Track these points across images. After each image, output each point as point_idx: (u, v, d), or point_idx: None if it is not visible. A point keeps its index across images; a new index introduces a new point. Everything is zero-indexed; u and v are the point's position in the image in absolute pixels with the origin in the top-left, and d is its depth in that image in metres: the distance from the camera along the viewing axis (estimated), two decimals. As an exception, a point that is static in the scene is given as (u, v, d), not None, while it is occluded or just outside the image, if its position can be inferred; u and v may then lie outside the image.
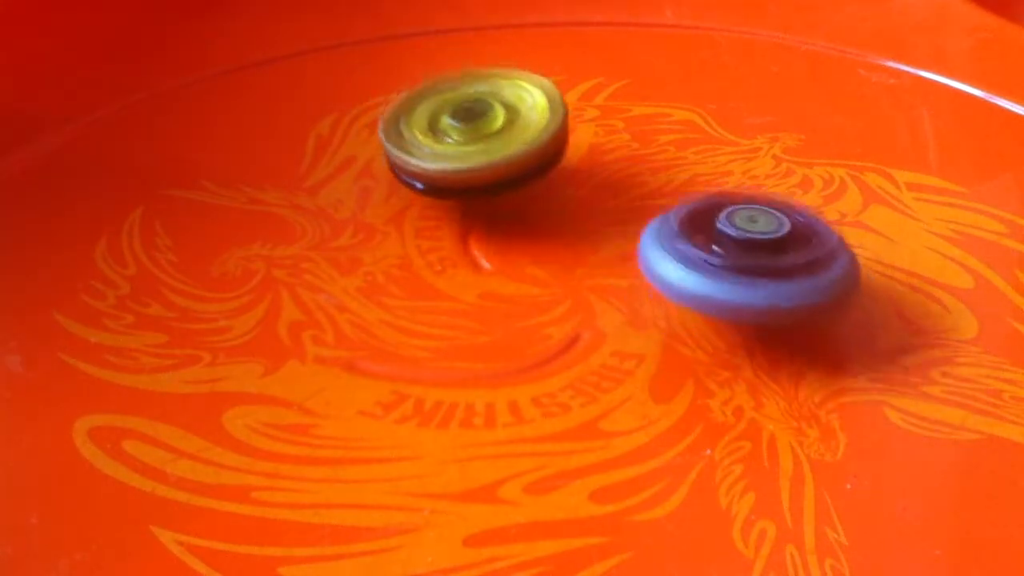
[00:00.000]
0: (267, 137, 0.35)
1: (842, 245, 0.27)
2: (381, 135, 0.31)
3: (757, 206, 0.26)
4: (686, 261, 0.25)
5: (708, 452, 0.25)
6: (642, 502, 0.24)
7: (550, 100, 0.32)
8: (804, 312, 0.25)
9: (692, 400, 0.27)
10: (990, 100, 0.37)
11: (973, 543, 0.24)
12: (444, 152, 0.31)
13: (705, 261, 0.25)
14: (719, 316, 0.27)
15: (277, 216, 0.32)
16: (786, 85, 0.38)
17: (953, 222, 0.32)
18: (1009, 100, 0.36)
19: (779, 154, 0.34)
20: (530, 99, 0.32)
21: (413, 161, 0.30)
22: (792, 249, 0.25)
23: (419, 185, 0.31)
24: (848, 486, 0.25)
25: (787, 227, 0.26)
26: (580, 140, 0.35)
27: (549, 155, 0.31)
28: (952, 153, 0.35)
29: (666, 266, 0.26)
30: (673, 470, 0.25)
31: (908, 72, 0.38)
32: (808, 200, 0.33)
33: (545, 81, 0.32)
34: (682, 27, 0.41)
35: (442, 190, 0.31)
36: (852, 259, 0.27)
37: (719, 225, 0.26)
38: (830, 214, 0.32)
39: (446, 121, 0.31)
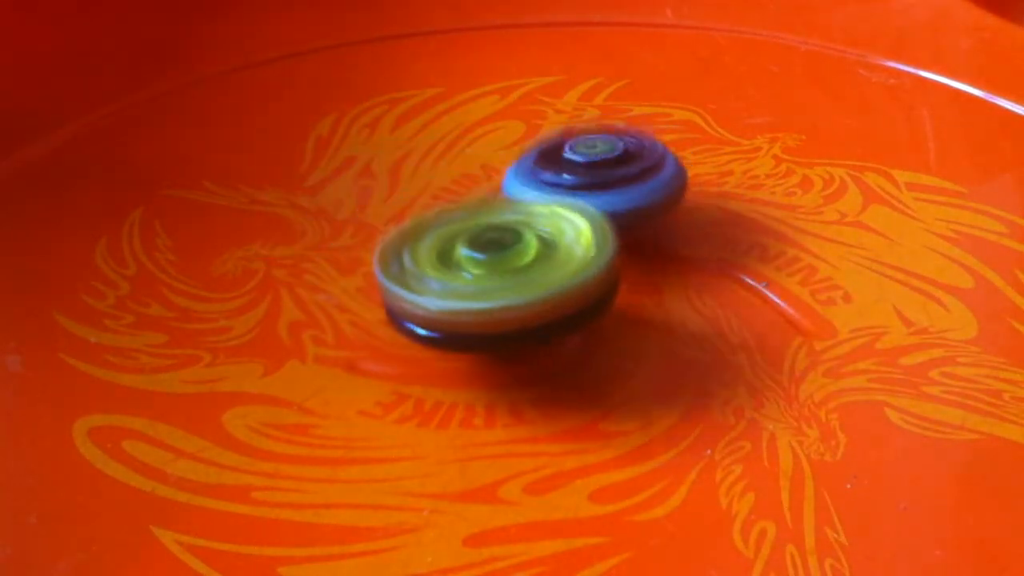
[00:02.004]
0: (267, 137, 0.35)
1: (666, 155, 0.30)
2: (376, 266, 0.26)
3: (595, 135, 0.30)
4: (542, 187, 0.29)
5: (708, 452, 0.25)
6: (642, 502, 0.24)
7: (596, 231, 0.26)
8: (642, 212, 0.29)
9: (692, 400, 0.27)
10: (990, 100, 0.37)
11: (973, 543, 0.24)
12: (457, 288, 0.25)
13: (557, 184, 0.29)
14: None
15: (277, 216, 0.32)
16: (786, 85, 0.38)
17: (953, 222, 0.32)
18: (1009, 100, 0.36)
19: (779, 154, 0.34)
20: (571, 230, 0.26)
21: (411, 298, 0.25)
22: (626, 164, 0.29)
23: (421, 332, 0.25)
24: (848, 486, 0.25)
25: (620, 147, 0.30)
26: (580, 140, 0.35)
27: (597, 295, 0.26)
28: (952, 153, 0.35)
29: (527, 193, 0.29)
30: (673, 470, 0.25)
31: (908, 72, 0.38)
32: (808, 200, 0.33)
33: (590, 210, 0.27)
34: (682, 27, 0.41)
35: (453, 338, 0.25)
36: (677, 165, 0.30)
37: (566, 154, 0.30)
38: (830, 214, 0.32)
39: (461, 252, 0.26)
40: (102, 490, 0.24)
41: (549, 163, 0.30)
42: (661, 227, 0.31)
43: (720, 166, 0.34)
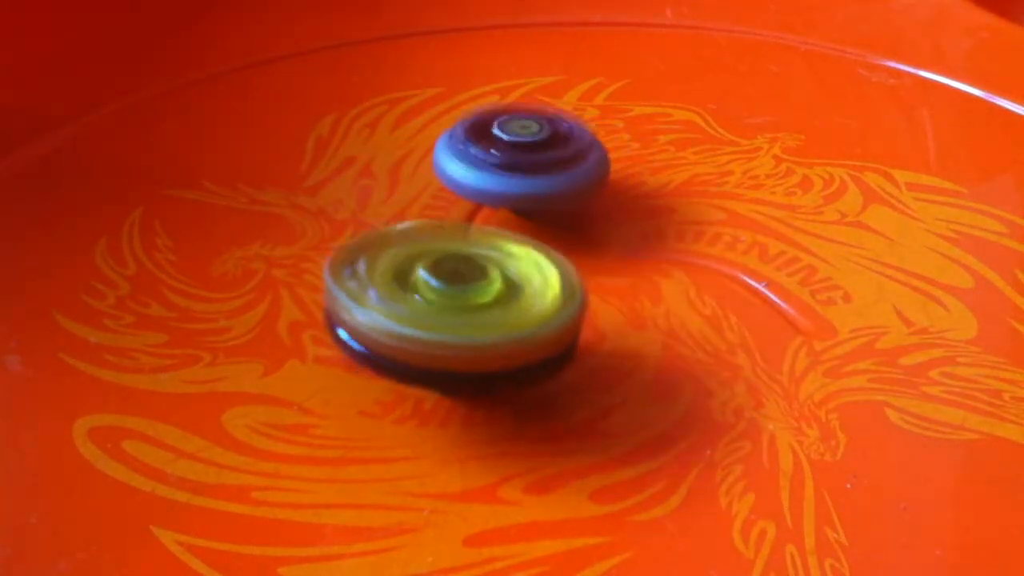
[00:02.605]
0: (267, 137, 0.35)
1: (593, 143, 0.31)
2: (327, 265, 0.24)
3: (527, 115, 0.30)
4: (470, 161, 0.30)
5: (708, 452, 0.25)
6: (642, 502, 0.24)
7: (566, 285, 0.25)
8: (561, 198, 0.30)
9: (692, 400, 0.27)
10: (990, 100, 0.37)
11: (973, 543, 0.24)
12: (407, 311, 0.23)
13: (485, 161, 0.29)
14: (499, 206, 0.31)
15: (277, 216, 0.32)
16: (786, 85, 0.38)
17: (953, 222, 0.32)
18: (1009, 100, 0.36)
19: (779, 154, 0.34)
20: (539, 278, 0.25)
21: (353, 311, 0.23)
22: (553, 148, 0.30)
23: (355, 346, 0.23)
24: (848, 486, 0.25)
25: (548, 131, 0.30)
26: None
27: (552, 352, 0.24)
28: (952, 153, 0.35)
29: (454, 167, 0.30)
30: (673, 470, 0.25)
31: (908, 72, 0.38)
32: (808, 200, 0.33)
33: (564, 261, 0.25)
34: (682, 27, 0.41)
35: (386, 363, 0.23)
36: (602, 152, 0.31)
37: (495, 131, 0.30)
38: (830, 214, 0.32)
39: (420, 274, 0.24)
40: (102, 490, 0.24)
41: (478, 137, 0.30)
42: (661, 227, 0.31)
43: (720, 166, 0.34)
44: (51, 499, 0.24)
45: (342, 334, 0.24)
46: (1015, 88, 0.36)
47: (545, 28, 0.40)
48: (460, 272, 0.24)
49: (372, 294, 0.23)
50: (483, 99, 0.37)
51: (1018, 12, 0.39)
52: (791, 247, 0.31)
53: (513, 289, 0.24)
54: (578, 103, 0.36)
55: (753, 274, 0.30)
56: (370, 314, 0.23)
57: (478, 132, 0.30)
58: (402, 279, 0.24)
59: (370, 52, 0.39)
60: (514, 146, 0.30)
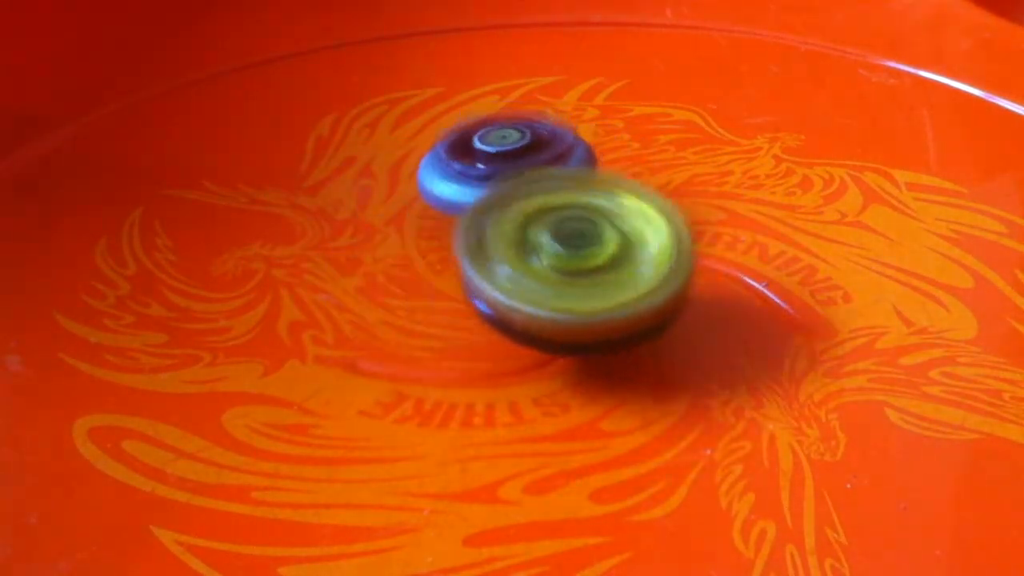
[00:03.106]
0: (267, 137, 0.35)
1: (576, 142, 0.30)
2: (459, 241, 0.26)
3: (504, 124, 0.30)
4: (456, 177, 0.30)
5: (708, 452, 0.25)
6: (642, 502, 0.24)
7: (677, 242, 0.26)
8: None
9: (692, 400, 0.27)
10: (990, 100, 0.37)
11: (973, 543, 0.24)
12: (527, 286, 0.25)
13: (469, 175, 0.29)
14: None
15: (277, 216, 0.32)
16: (786, 85, 0.38)
17: (953, 222, 0.32)
18: (1009, 100, 0.36)
19: (779, 154, 0.34)
20: (653, 236, 0.26)
21: (487, 288, 0.25)
22: (537, 152, 0.30)
23: (486, 310, 0.26)
24: (848, 486, 0.25)
25: (530, 136, 0.30)
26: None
27: (660, 319, 0.26)
28: (952, 153, 0.35)
29: (441, 185, 0.30)
30: (673, 470, 0.25)
31: (908, 72, 0.38)
32: (808, 200, 0.33)
33: (678, 217, 0.26)
34: (682, 27, 0.41)
35: (512, 330, 0.26)
36: (586, 149, 0.31)
37: (476, 144, 0.30)
38: (830, 214, 0.32)
39: (541, 236, 0.26)
40: (102, 490, 0.24)
41: (460, 153, 0.30)
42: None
43: (720, 166, 0.34)
44: (51, 499, 0.24)
45: (480, 306, 0.26)
46: (1015, 88, 0.36)
47: (545, 28, 0.40)
48: (578, 233, 0.26)
49: (500, 271, 0.25)
50: (483, 99, 0.37)
51: (1018, 12, 0.39)
52: (791, 247, 0.31)
53: (626, 245, 0.26)
54: (578, 103, 0.36)
55: (753, 274, 0.30)
56: (498, 295, 0.25)
57: (459, 148, 0.30)
58: (522, 239, 0.26)
59: (370, 52, 0.39)
60: (496, 156, 0.30)
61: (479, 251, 0.26)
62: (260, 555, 0.23)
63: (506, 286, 0.25)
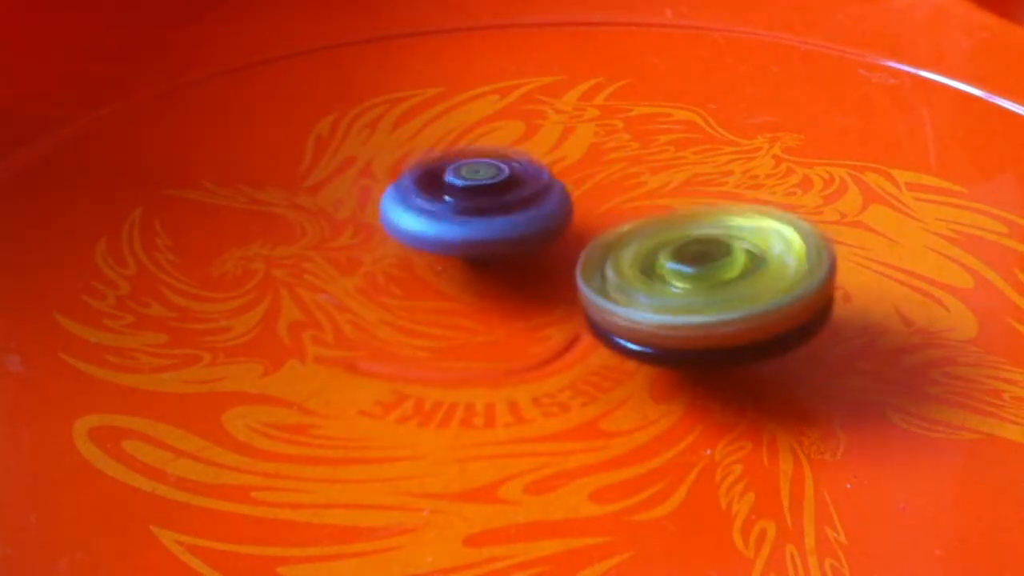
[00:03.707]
0: (267, 137, 0.35)
1: (551, 184, 0.29)
2: (579, 280, 0.25)
3: (479, 159, 0.29)
4: (419, 212, 0.28)
5: (708, 452, 0.25)
6: (642, 502, 0.24)
7: (808, 240, 0.25)
8: (525, 241, 0.28)
9: (692, 400, 0.27)
10: (990, 100, 0.37)
11: (973, 543, 0.24)
12: (667, 302, 0.24)
13: (433, 210, 0.28)
14: (455, 254, 0.29)
15: (277, 216, 0.32)
16: (786, 85, 0.38)
17: (953, 222, 0.32)
18: (1009, 100, 0.36)
19: (779, 154, 0.34)
20: (780, 242, 0.25)
21: (624, 313, 0.24)
22: (509, 191, 0.28)
23: (632, 347, 0.25)
24: (848, 486, 0.25)
25: (505, 173, 0.29)
26: (580, 140, 0.35)
27: (815, 310, 0.25)
28: (952, 153, 0.35)
29: (403, 217, 0.28)
30: (673, 470, 0.25)
31: (908, 72, 0.38)
32: (808, 200, 0.33)
33: (798, 220, 0.26)
34: (682, 27, 0.41)
35: (667, 353, 0.24)
36: (561, 193, 0.29)
37: (447, 177, 0.29)
38: (830, 214, 0.32)
39: (666, 265, 0.25)
40: (102, 490, 0.24)
41: (428, 186, 0.29)
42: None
43: (720, 166, 0.34)
44: (51, 499, 0.24)
45: (619, 340, 0.25)
46: (1015, 88, 0.36)
47: (545, 28, 0.40)
48: (704, 253, 0.25)
49: (640, 296, 0.24)
50: (483, 99, 0.37)
51: (1018, 12, 0.39)
52: (791, 247, 0.31)
53: (757, 259, 0.25)
54: (578, 103, 0.36)
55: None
56: (645, 315, 0.24)
57: (427, 180, 0.29)
58: (649, 273, 0.25)
59: (370, 52, 0.39)
60: (465, 191, 0.28)
61: (606, 288, 0.25)
62: (260, 555, 0.23)
63: (652, 306, 0.24)
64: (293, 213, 0.32)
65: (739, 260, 0.25)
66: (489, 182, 0.28)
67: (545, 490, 0.25)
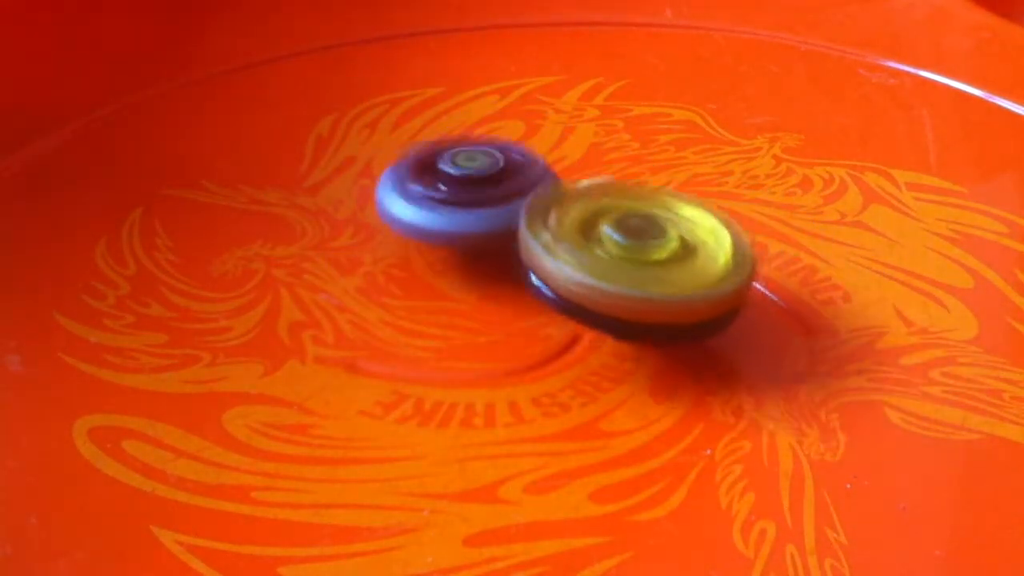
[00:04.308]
0: (267, 137, 0.35)
1: (546, 174, 0.29)
2: (522, 218, 0.27)
3: (476, 147, 0.29)
4: (414, 198, 0.28)
5: (708, 452, 0.25)
6: (642, 502, 0.24)
7: (738, 252, 0.26)
8: (515, 234, 0.28)
9: (692, 400, 0.27)
10: (990, 100, 0.37)
11: (973, 543, 0.24)
12: (590, 264, 0.25)
13: (429, 197, 0.28)
14: (449, 245, 0.30)
15: (277, 216, 0.32)
16: (786, 85, 0.38)
17: (953, 222, 0.32)
18: (1009, 100, 0.36)
19: (779, 154, 0.34)
20: (714, 243, 0.27)
21: (550, 263, 0.26)
22: (504, 180, 0.28)
23: (548, 292, 0.26)
24: (848, 486, 0.25)
25: (501, 163, 0.29)
26: (580, 140, 0.35)
27: (720, 312, 0.26)
28: (952, 153, 0.35)
29: (397, 204, 0.29)
30: (673, 470, 0.25)
31: (908, 72, 0.38)
32: (808, 200, 0.33)
33: (739, 228, 0.27)
34: (682, 27, 0.41)
35: (572, 308, 0.26)
36: (555, 179, 0.29)
37: (441, 166, 0.29)
38: (830, 214, 0.32)
39: (604, 229, 0.26)
40: (102, 490, 0.24)
41: (423, 174, 0.29)
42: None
43: (720, 166, 0.34)
44: (51, 499, 0.24)
45: (535, 280, 0.26)
46: (1015, 88, 0.36)
47: (545, 28, 0.40)
48: (641, 228, 0.26)
49: (563, 247, 0.26)
50: (483, 99, 0.37)
51: (1018, 12, 0.39)
52: (791, 247, 0.31)
53: (688, 248, 0.26)
54: (578, 103, 0.36)
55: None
56: (560, 265, 0.25)
57: (422, 168, 0.29)
58: (587, 232, 0.26)
59: (370, 52, 0.39)
60: (460, 180, 0.28)
61: (545, 236, 0.26)
62: (260, 555, 0.23)
63: (574, 264, 0.25)
64: (293, 213, 0.32)
65: (671, 245, 0.26)
66: (484, 172, 0.29)
67: (545, 490, 0.25)
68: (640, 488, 0.25)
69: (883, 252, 0.31)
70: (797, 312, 0.29)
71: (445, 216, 0.28)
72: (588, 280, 0.25)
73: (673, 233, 0.26)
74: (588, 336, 0.28)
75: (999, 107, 0.36)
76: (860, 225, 0.32)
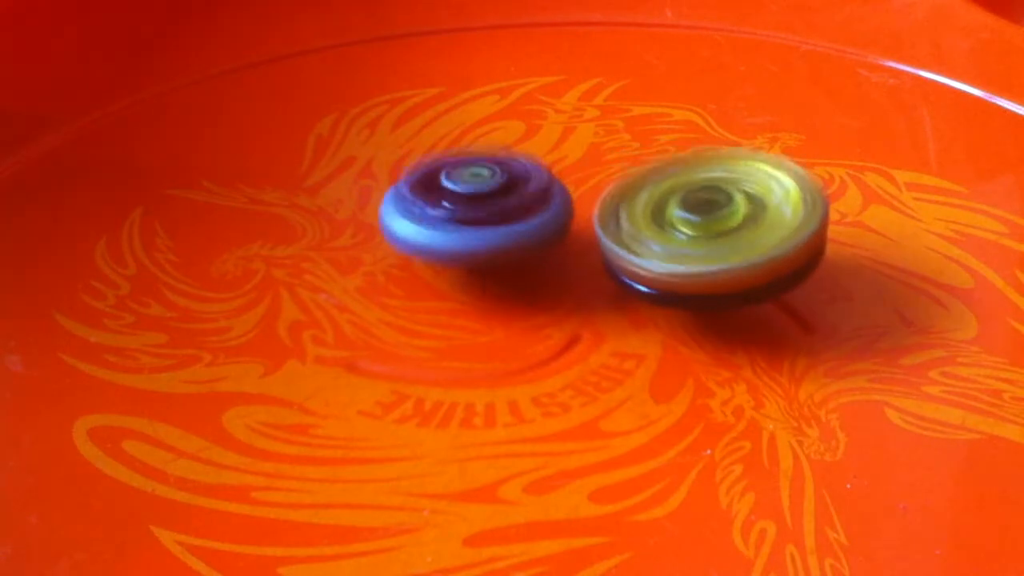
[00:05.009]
0: (267, 137, 0.35)
1: (550, 188, 0.29)
2: (597, 225, 0.27)
3: (477, 161, 0.29)
4: (418, 219, 0.28)
5: (708, 452, 0.25)
6: (642, 502, 0.24)
7: (805, 191, 0.27)
8: (524, 250, 0.28)
9: (692, 400, 0.27)
10: (990, 100, 0.37)
11: (973, 543, 0.24)
12: (675, 251, 0.26)
13: (433, 217, 0.28)
14: (453, 266, 0.29)
15: (277, 216, 0.32)
16: (786, 85, 0.38)
17: (953, 222, 0.32)
18: (1009, 100, 0.36)
19: (779, 154, 0.34)
20: (779, 190, 0.27)
21: (636, 261, 0.26)
22: (508, 195, 0.28)
23: (643, 289, 0.27)
24: (848, 486, 0.25)
25: (503, 177, 0.28)
26: (580, 140, 0.35)
27: (803, 262, 0.27)
28: (952, 153, 0.35)
29: (402, 224, 0.28)
30: (673, 470, 0.25)
31: (908, 72, 0.38)
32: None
33: (799, 169, 0.28)
34: (682, 27, 0.41)
35: (671, 296, 0.27)
36: (561, 196, 0.29)
37: (443, 182, 0.28)
38: (830, 214, 0.32)
39: (675, 212, 0.27)
40: (102, 490, 0.24)
41: (425, 192, 0.28)
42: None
43: (720, 166, 0.34)
44: (51, 499, 0.24)
45: (632, 283, 0.27)
46: (1015, 88, 0.36)
47: (545, 28, 0.40)
48: (708, 201, 0.27)
49: (651, 245, 0.26)
50: (483, 99, 0.37)
51: (1018, 12, 0.39)
52: (791, 247, 0.31)
53: (757, 206, 0.27)
54: (578, 103, 0.36)
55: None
56: (656, 263, 0.26)
57: (424, 185, 0.29)
58: (659, 219, 0.27)
59: (370, 52, 0.39)
60: (464, 197, 0.28)
61: (620, 235, 0.27)
62: (260, 555, 0.23)
63: (662, 255, 0.26)
64: (293, 213, 0.32)
65: (740, 209, 0.27)
66: (487, 189, 0.28)
67: (545, 490, 0.25)
68: (640, 488, 0.25)
69: (883, 252, 0.31)
70: (797, 312, 0.29)
71: (450, 237, 0.28)
72: (676, 268, 0.26)
73: (739, 198, 0.27)
74: (588, 336, 0.28)
75: (999, 107, 0.36)
76: (860, 225, 0.32)
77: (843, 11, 0.41)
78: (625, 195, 0.28)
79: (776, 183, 0.27)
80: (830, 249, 0.31)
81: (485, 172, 0.29)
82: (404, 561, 0.23)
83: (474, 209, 0.28)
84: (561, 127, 0.35)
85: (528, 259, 0.29)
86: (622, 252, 0.27)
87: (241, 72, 0.38)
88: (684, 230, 0.27)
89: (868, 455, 0.25)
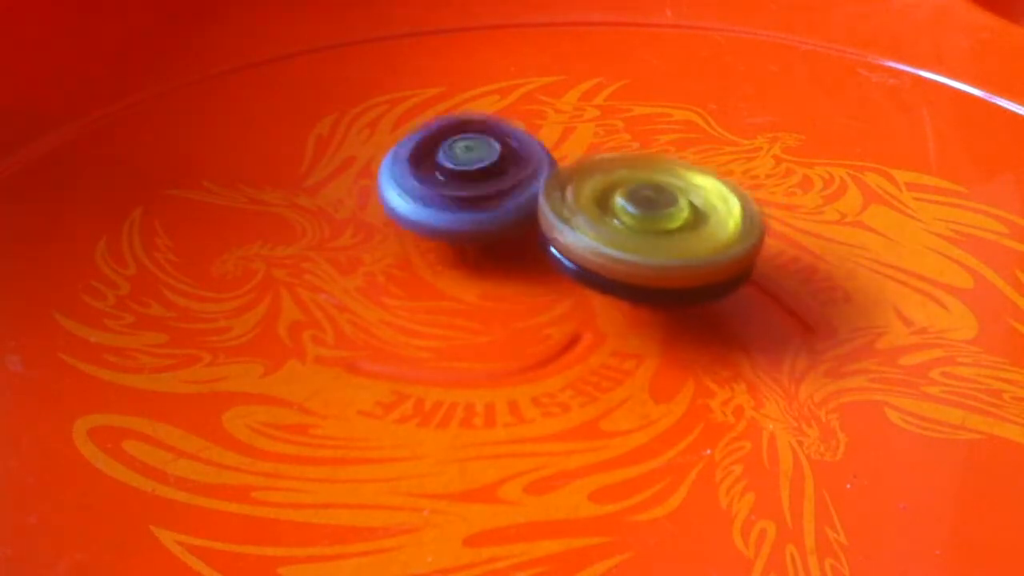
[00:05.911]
0: (267, 137, 0.35)
1: (541, 165, 0.29)
2: (540, 192, 0.28)
3: (474, 135, 0.30)
4: (409, 191, 0.29)
5: (708, 452, 0.25)
6: (642, 502, 0.24)
7: (747, 216, 0.27)
8: (514, 229, 0.29)
9: (692, 400, 0.27)
10: (990, 100, 0.37)
11: (973, 543, 0.24)
12: (607, 235, 0.26)
13: (425, 191, 0.29)
14: (443, 240, 0.30)
15: (277, 216, 0.32)
16: (786, 85, 0.38)
17: (953, 222, 0.32)
18: (1009, 100, 0.36)
19: (779, 154, 0.34)
20: (723, 208, 0.28)
21: (568, 233, 0.27)
22: (503, 172, 0.29)
23: (567, 263, 0.27)
24: (848, 486, 0.25)
25: (498, 154, 0.29)
26: (580, 140, 0.35)
27: (732, 275, 0.27)
28: (952, 153, 0.35)
29: (397, 197, 0.29)
30: (673, 470, 0.25)
31: (908, 72, 0.38)
32: (808, 200, 0.33)
33: (748, 195, 0.28)
34: (682, 27, 0.41)
35: (593, 277, 0.27)
36: (551, 163, 0.30)
37: (440, 158, 0.29)
38: (830, 214, 0.32)
39: (618, 201, 0.27)
40: (102, 490, 0.24)
41: (421, 166, 0.29)
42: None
43: (720, 166, 0.34)
44: (51, 499, 0.24)
45: (554, 251, 0.27)
46: (1015, 88, 0.36)
47: (545, 28, 0.40)
48: (653, 199, 0.27)
49: (580, 219, 0.27)
50: (483, 99, 0.37)
51: (1018, 12, 0.39)
52: (791, 247, 0.31)
53: (699, 216, 0.27)
54: (578, 103, 0.36)
55: (753, 274, 0.30)
56: (578, 236, 0.26)
57: (422, 158, 0.29)
58: (603, 204, 0.27)
59: (370, 52, 0.39)
60: (460, 175, 0.29)
61: (562, 209, 0.27)
62: (260, 555, 0.23)
63: (593, 235, 0.26)
64: (293, 213, 0.32)
65: (682, 215, 0.27)
66: (479, 165, 0.29)
67: (545, 490, 0.25)
68: (640, 488, 0.25)
69: (883, 252, 0.31)
70: (797, 312, 0.29)
71: (440, 213, 0.29)
72: (604, 249, 0.26)
73: (684, 202, 0.27)
74: (588, 336, 0.28)
75: (999, 107, 0.36)
76: (860, 225, 0.32)
77: (843, 11, 0.41)
78: (578, 174, 0.28)
79: (723, 202, 0.28)
80: (830, 249, 0.31)
81: (481, 148, 0.29)
82: (404, 561, 0.23)
83: (464, 188, 0.29)
84: (561, 127, 0.35)
85: (514, 238, 0.29)
86: (557, 222, 0.27)
87: (241, 72, 0.38)
88: (623, 219, 0.27)
89: (868, 455, 0.25)
